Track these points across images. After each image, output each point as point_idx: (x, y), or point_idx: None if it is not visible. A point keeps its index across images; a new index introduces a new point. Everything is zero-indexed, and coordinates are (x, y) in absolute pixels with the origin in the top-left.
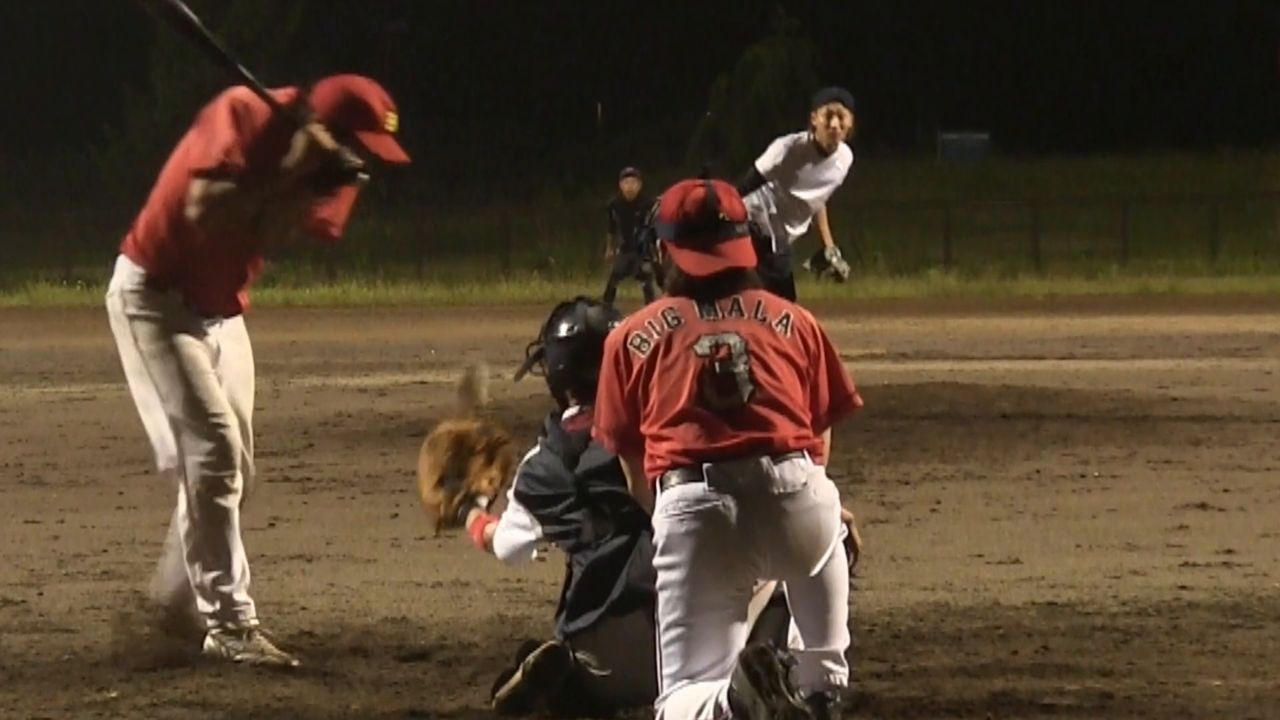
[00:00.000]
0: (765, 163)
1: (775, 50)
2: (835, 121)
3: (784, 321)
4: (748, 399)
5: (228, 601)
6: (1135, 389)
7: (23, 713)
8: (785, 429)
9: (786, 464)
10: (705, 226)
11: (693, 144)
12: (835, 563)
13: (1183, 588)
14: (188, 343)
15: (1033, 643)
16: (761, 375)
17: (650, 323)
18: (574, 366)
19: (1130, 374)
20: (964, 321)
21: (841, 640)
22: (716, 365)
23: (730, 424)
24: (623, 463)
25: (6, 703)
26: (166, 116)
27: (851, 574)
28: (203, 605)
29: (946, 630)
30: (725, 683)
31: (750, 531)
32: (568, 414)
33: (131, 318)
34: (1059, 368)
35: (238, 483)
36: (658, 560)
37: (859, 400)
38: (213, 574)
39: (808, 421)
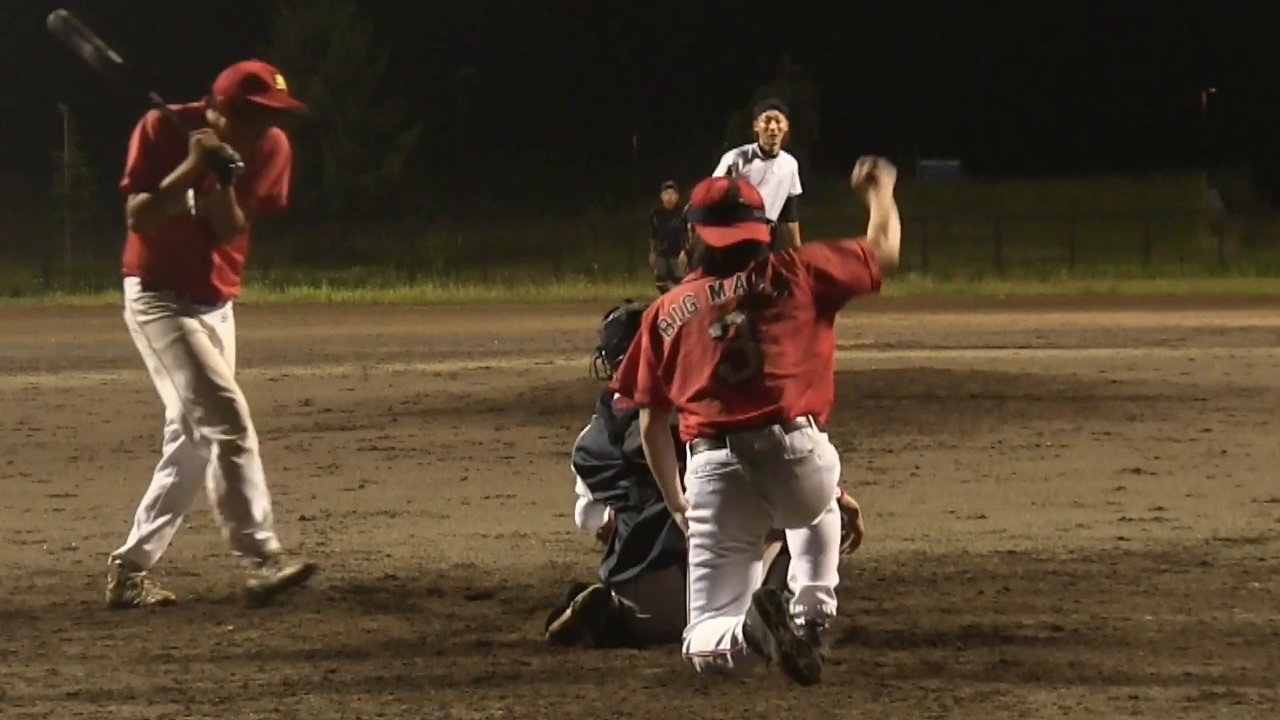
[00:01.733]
0: (719, 171)
1: (781, 90)
2: (773, 125)
3: (779, 282)
4: (758, 372)
5: (254, 541)
6: (1081, 373)
7: (154, 643)
8: (793, 400)
9: (796, 433)
10: (726, 209)
11: (712, 169)
12: (831, 516)
13: (1121, 538)
14: (192, 329)
15: (995, 584)
16: (769, 348)
17: (674, 309)
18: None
19: (1077, 361)
20: (939, 317)
21: (832, 578)
22: (729, 345)
23: (745, 397)
24: (643, 413)
25: (141, 634)
26: None
27: (846, 552)
28: (238, 551)
29: (924, 574)
30: (741, 618)
31: (764, 489)
32: (618, 397)
33: (142, 324)
34: (1018, 355)
35: (250, 441)
36: (690, 514)
37: (875, 269)
38: (237, 522)
39: (812, 380)
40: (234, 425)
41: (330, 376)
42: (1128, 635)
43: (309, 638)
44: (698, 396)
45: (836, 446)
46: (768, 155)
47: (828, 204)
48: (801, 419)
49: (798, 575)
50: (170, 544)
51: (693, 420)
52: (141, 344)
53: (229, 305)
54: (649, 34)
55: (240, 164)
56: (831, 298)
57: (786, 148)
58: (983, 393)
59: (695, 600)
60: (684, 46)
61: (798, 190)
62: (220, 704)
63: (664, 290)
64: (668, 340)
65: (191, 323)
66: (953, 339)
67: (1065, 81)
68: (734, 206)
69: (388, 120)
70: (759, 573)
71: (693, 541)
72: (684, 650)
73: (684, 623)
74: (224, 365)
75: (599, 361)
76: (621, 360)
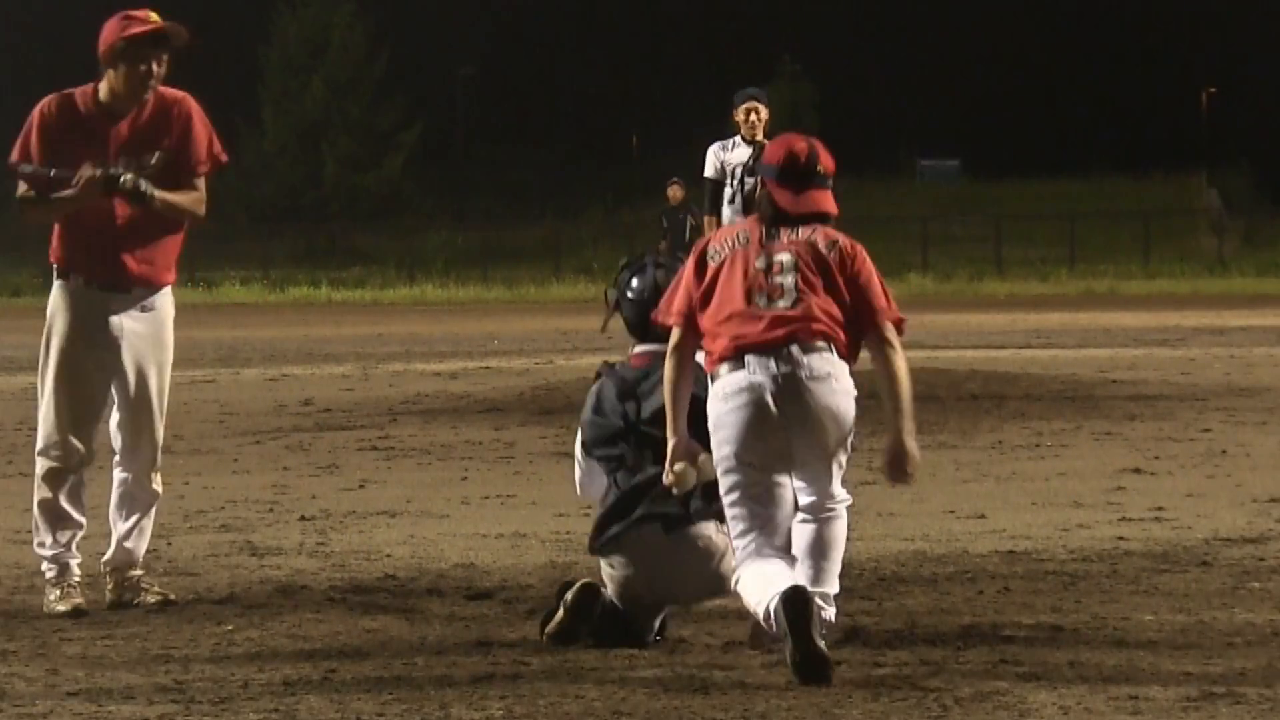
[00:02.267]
0: (707, 169)
1: (780, 90)
2: (753, 116)
3: (832, 245)
4: (791, 305)
5: (46, 560)
6: (1081, 373)
7: (154, 643)
8: (817, 327)
9: (815, 355)
10: (804, 174)
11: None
12: (838, 524)
13: (1120, 538)
14: (72, 354)
15: (995, 584)
16: (804, 286)
17: (726, 238)
18: (641, 321)
19: (1077, 361)
20: (938, 317)
21: (832, 585)
22: (770, 278)
23: (772, 323)
24: (674, 336)
25: (141, 634)
26: (274, 146)
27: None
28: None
29: (923, 574)
30: (779, 592)
31: (783, 407)
32: (634, 350)
33: (49, 315)
34: (1018, 355)
35: (70, 478)
36: (714, 439)
37: (894, 313)
38: (38, 534)
39: (840, 326)
40: (54, 460)
41: (330, 376)
42: (1128, 635)
43: (309, 638)
44: (727, 319)
45: None
46: (750, 143)
47: None
48: (822, 343)
49: (799, 580)
50: (150, 535)
51: (717, 344)
52: (45, 331)
53: (159, 296)
54: (649, 34)
55: (137, 183)
56: (849, 294)
57: (769, 136)
58: (983, 393)
59: (735, 527)
60: (684, 46)
61: None
62: (220, 704)
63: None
64: (712, 266)
65: (77, 343)
66: (953, 339)
67: (1065, 81)
68: (811, 173)
69: (388, 120)
70: (789, 497)
71: (720, 469)
72: (733, 583)
73: (668, 582)
74: (83, 398)
75: (610, 298)
76: (630, 303)
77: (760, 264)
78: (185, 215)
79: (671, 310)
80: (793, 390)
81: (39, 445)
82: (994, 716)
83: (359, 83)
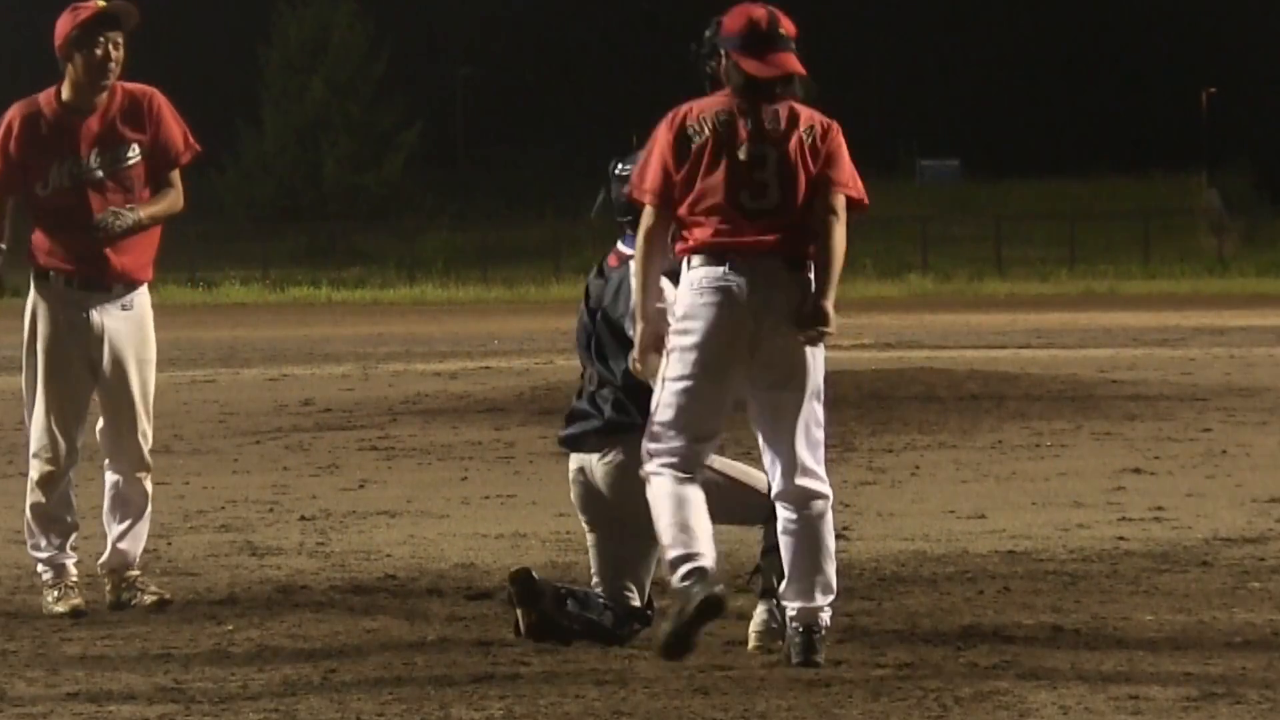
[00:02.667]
0: None
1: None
2: None
3: (810, 130)
4: (776, 206)
5: (41, 561)
6: (1081, 373)
7: (154, 643)
8: (798, 241)
9: (797, 270)
10: (766, 38)
11: None
12: (824, 523)
13: (1120, 538)
14: (57, 354)
15: (995, 584)
16: (789, 188)
17: (704, 117)
18: (630, 204)
19: (1077, 361)
20: (938, 317)
21: (830, 593)
22: (755, 173)
23: (755, 224)
24: (648, 217)
25: (141, 634)
26: (274, 146)
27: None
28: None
29: (924, 574)
30: (704, 589)
31: (757, 311)
32: (617, 247)
33: (28, 317)
34: (1018, 355)
35: (59, 481)
36: (676, 326)
37: (854, 189)
38: (31, 537)
39: (809, 237)
40: (46, 462)
41: (330, 376)
42: (1128, 635)
43: (309, 638)
44: (710, 213)
45: (836, 446)
46: None
47: None
48: (804, 260)
49: (787, 594)
50: (147, 536)
51: (695, 234)
52: (24, 331)
53: (138, 294)
54: (649, 34)
55: (118, 217)
56: (815, 178)
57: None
58: (983, 393)
59: (659, 414)
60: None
61: None
62: (220, 704)
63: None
64: (694, 147)
65: (61, 343)
66: (953, 339)
67: (1065, 81)
68: (774, 37)
69: (388, 120)
70: (721, 421)
71: (673, 356)
72: (643, 468)
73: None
74: (70, 398)
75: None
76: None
77: (744, 156)
78: (168, 216)
79: (646, 187)
80: (770, 298)
81: (32, 449)
82: (994, 716)
83: (359, 83)
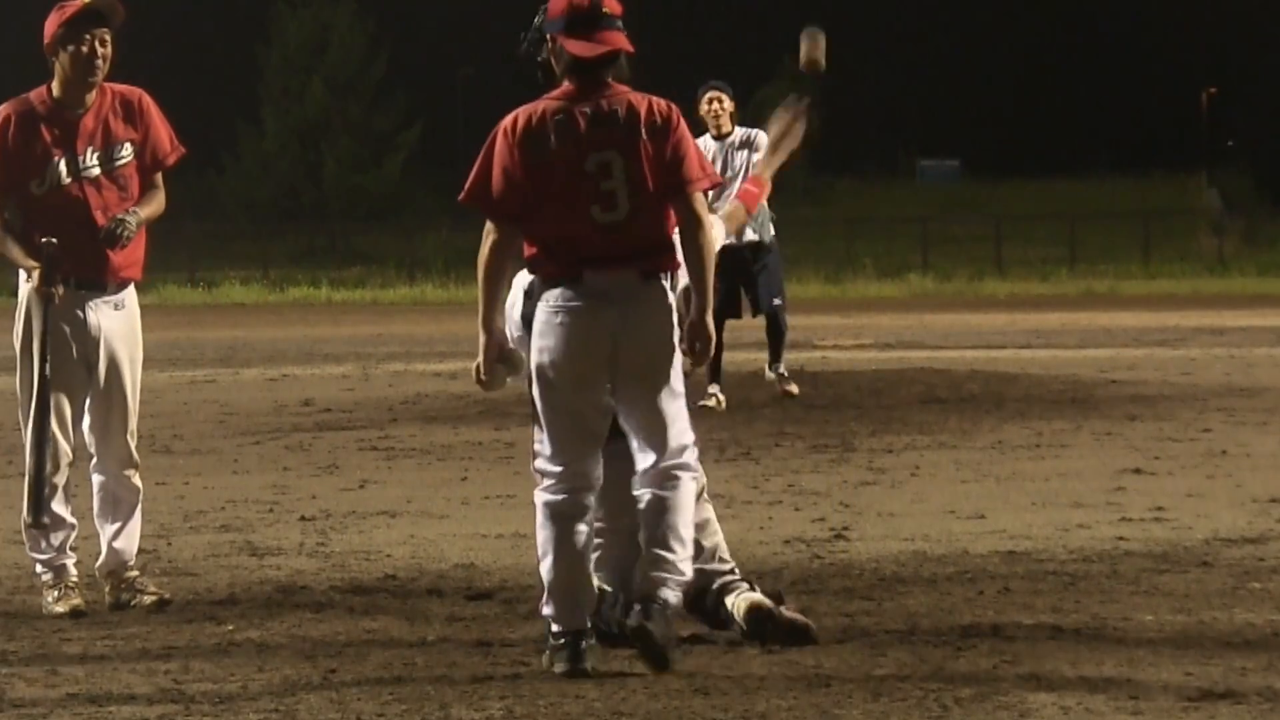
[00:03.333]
0: None
1: (781, 90)
2: (716, 105)
3: (653, 125)
4: (627, 217)
5: (44, 562)
6: (1081, 373)
7: (154, 643)
8: (654, 250)
9: (653, 282)
10: (589, 18)
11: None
12: (680, 493)
13: (1121, 538)
14: (53, 346)
15: (995, 584)
16: (638, 195)
17: (547, 122)
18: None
19: (1077, 361)
20: (939, 317)
21: (680, 572)
22: (601, 183)
23: (610, 238)
24: (493, 232)
25: (141, 634)
26: (274, 146)
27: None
28: (32, 553)
29: (924, 574)
30: (568, 627)
31: (614, 328)
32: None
33: (20, 315)
34: (1018, 355)
35: (59, 478)
36: (535, 344)
37: (707, 180)
38: (30, 539)
39: (667, 242)
40: (42, 461)
41: (330, 376)
42: (1128, 635)
43: (309, 638)
44: (560, 227)
45: (837, 447)
46: (719, 137)
47: (826, 203)
48: (659, 271)
49: (638, 569)
50: (140, 534)
51: (549, 253)
52: (17, 329)
53: (129, 293)
54: (648, 34)
55: (122, 223)
56: (665, 180)
57: (741, 124)
58: (983, 393)
59: (541, 444)
60: (684, 46)
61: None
62: (220, 704)
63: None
64: (538, 159)
65: (58, 340)
66: (953, 339)
67: (1065, 81)
68: (596, 16)
69: (388, 120)
70: (602, 435)
71: (536, 380)
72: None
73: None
74: (68, 397)
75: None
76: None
77: (590, 167)
78: (156, 219)
79: (493, 205)
80: (626, 313)
81: (31, 457)
82: (994, 716)
83: (359, 83)
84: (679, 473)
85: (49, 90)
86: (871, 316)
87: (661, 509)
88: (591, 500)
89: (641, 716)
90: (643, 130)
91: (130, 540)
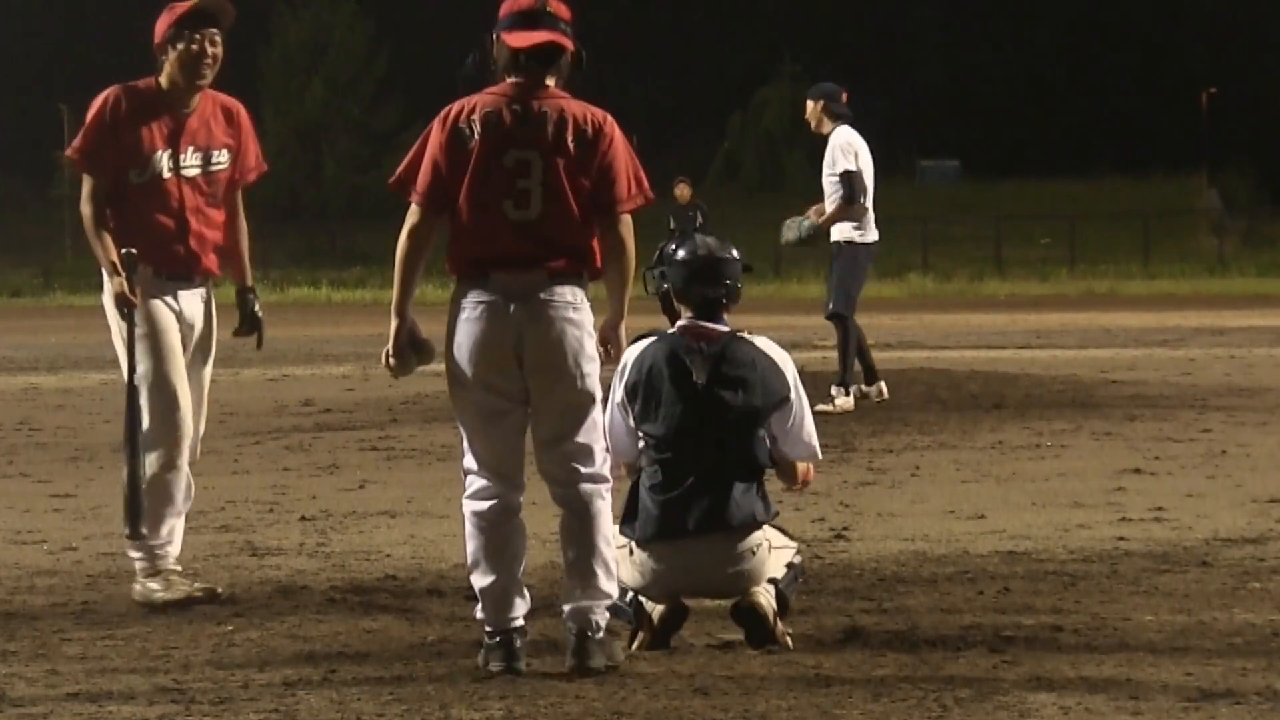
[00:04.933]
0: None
1: (781, 91)
2: (807, 113)
3: (581, 137)
4: (539, 217)
5: (151, 552)
6: (1081, 373)
7: (154, 643)
8: (565, 253)
9: (561, 285)
10: (532, 15)
11: (713, 169)
12: (596, 514)
13: (1120, 539)
14: (163, 327)
15: (995, 585)
16: (553, 198)
17: (475, 118)
18: (691, 283)
19: (1077, 361)
20: (939, 317)
21: (602, 593)
22: (518, 181)
23: (520, 237)
24: (414, 215)
25: (141, 634)
26: (274, 147)
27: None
28: (134, 553)
29: (924, 574)
30: (497, 621)
31: (520, 328)
32: (681, 324)
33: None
34: (1018, 355)
35: (182, 459)
36: (448, 346)
37: (636, 199)
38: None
39: (587, 239)
40: (170, 443)
41: (330, 376)
42: (1128, 635)
43: (309, 638)
44: (474, 223)
45: (837, 447)
46: (819, 137)
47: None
48: (569, 273)
49: (563, 595)
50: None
51: (462, 251)
52: (112, 326)
53: (208, 285)
54: (649, 34)
55: (254, 307)
56: (591, 193)
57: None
58: (983, 393)
59: (466, 441)
60: (684, 47)
61: None
62: (220, 704)
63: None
64: (464, 149)
65: (165, 318)
66: (953, 339)
67: (1065, 81)
68: (540, 14)
69: (388, 120)
70: (522, 432)
71: (450, 380)
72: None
73: (704, 581)
74: (183, 377)
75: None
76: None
77: (509, 162)
78: None
79: (417, 188)
80: (532, 313)
81: (154, 445)
82: (994, 716)
83: (359, 83)
84: (589, 488)
85: (157, 83)
86: (871, 316)
87: (579, 530)
88: (518, 500)
89: (641, 716)
90: (569, 137)
91: (174, 539)
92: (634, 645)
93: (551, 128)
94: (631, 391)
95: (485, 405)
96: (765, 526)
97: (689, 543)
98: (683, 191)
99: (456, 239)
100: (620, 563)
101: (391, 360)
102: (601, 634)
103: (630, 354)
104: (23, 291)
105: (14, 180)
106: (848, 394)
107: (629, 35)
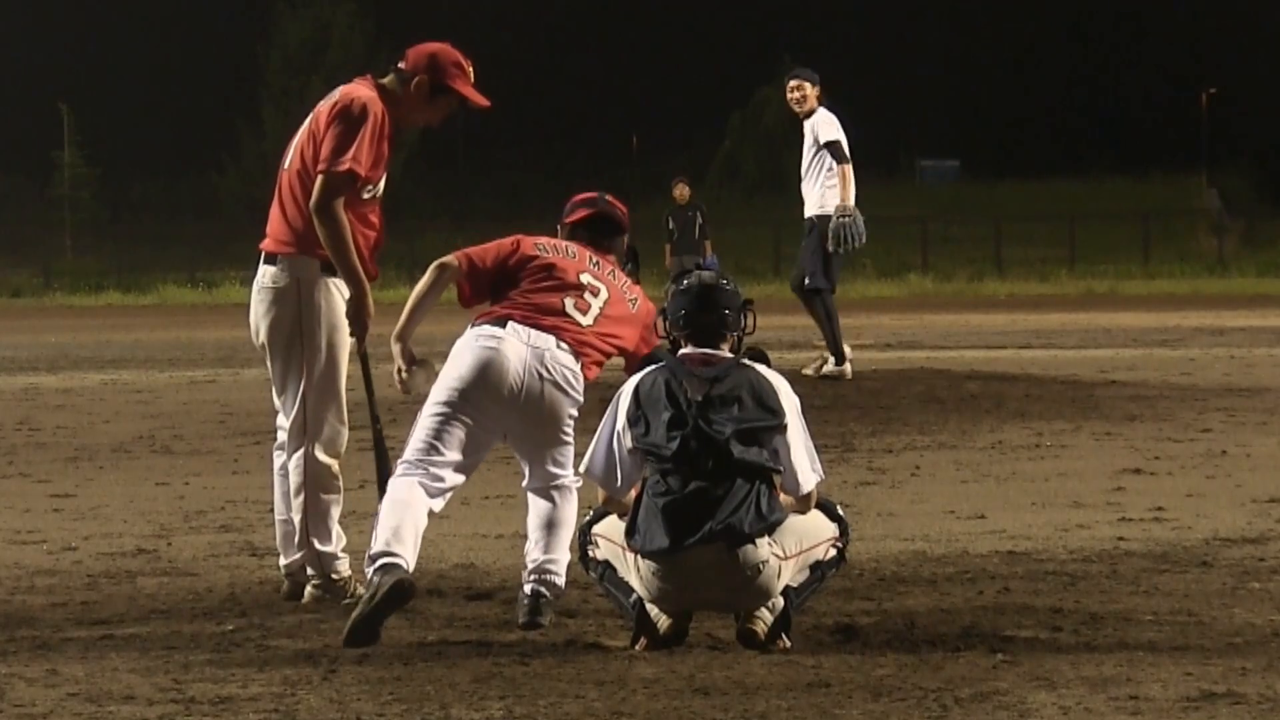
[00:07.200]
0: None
1: (782, 90)
2: (795, 93)
3: (634, 301)
4: (589, 324)
5: (330, 561)
6: (1081, 373)
7: (155, 643)
8: (582, 343)
9: (566, 353)
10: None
11: (713, 168)
12: (566, 496)
13: (1120, 539)
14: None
15: (995, 584)
16: (607, 319)
17: (556, 245)
18: (687, 311)
19: (1077, 361)
20: (938, 317)
21: (562, 554)
22: (583, 294)
23: (556, 318)
24: (452, 261)
25: (142, 634)
26: (274, 147)
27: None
28: (311, 570)
29: (924, 574)
30: (393, 577)
31: (522, 368)
32: (682, 352)
33: (312, 307)
34: (1018, 355)
35: (338, 467)
36: (448, 363)
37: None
38: (317, 540)
39: (604, 355)
40: (334, 452)
41: None
42: (1128, 635)
43: (309, 638)
44: (528, 299)
45: (837, 447)
46: (801, 119)
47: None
48: (578, 352)
49: (530, 550)
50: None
51: (504, 307)
52: (281, 321)
53: None
54: (649, 34)
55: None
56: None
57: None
58: (983, 393)
59: (418, 435)
60: (684, 46)
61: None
62: (220, 704)
63: None
64: (538, 254)
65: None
66: (953, 339)
67: (1065, 81)
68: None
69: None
70: (473, 464)
71: (435, 388)
72: (390, 481)
73: (712, 593)
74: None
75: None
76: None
77: (584, 279)
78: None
79: (466, 251)
80: (535, 363)
81: (320, 450)
82: (994, 716)
83: None
84: (564, 484)
85: (390, 104)
86: (871, 316)
87: (550, 522)
88: (439, 504)
89: (641, 716)
90: (626, 291)
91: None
92: (635, 646)
93: (617, 277)
94: (633, 417)
95: (457, 413)
96: (785, 530)
97: (688, 555)
98: (681, 192)
99: (509, 298)
100: (618, 561)
101: (403, 377)
102: (555, 596)
103: (631, 381)
104: (23, 291)
105: (14, 180)
106: (840, 363)
107: (629, 35)
